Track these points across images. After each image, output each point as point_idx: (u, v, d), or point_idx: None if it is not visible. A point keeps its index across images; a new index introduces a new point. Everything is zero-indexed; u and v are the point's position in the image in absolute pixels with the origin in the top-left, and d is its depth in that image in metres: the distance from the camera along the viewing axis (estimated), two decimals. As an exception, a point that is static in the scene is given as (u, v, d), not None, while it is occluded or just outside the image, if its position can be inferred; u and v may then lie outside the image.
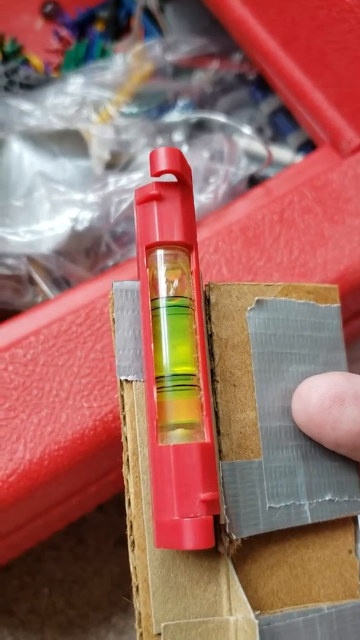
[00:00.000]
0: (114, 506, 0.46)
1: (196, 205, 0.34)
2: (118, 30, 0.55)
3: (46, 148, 0.39)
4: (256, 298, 0.21)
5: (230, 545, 0.19)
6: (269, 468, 0.20)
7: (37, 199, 0.33)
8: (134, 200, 0.19)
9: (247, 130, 0.39)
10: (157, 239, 0.19)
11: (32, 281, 0.38)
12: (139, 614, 0.19)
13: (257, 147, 0.42)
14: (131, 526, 0.19)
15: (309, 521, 0.20)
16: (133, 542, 0.19)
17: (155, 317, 0.19)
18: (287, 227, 0.34)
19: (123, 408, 0.19)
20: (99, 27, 0.55)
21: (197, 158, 0.35)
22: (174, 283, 0.19)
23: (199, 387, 0.19)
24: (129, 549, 0.19)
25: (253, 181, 0.40)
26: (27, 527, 0.32)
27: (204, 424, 0.18)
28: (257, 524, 0.19)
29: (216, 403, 0.20)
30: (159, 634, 0.18)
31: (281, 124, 0.47)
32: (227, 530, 0.19)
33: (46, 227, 0.33)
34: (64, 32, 0.55)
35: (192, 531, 0.16)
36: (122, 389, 0.20)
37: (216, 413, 0.20)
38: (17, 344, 0.31)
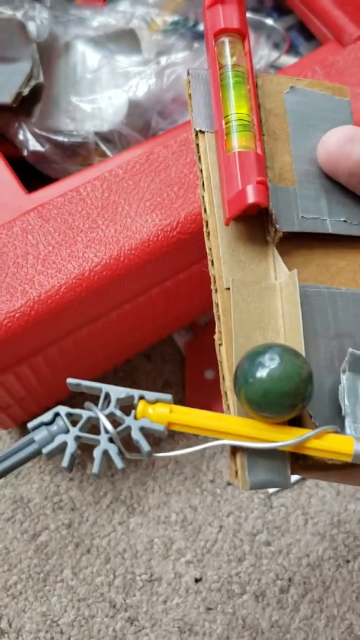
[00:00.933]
0: (159, 356, 0.55)
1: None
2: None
3: (105, 47, 0.48)
4: (290, 85, 0.30)
5: (275, 234, 0.27)
6: (300, 194, 0.28)
7: (102, 73, 0.42)
8: (203, 7, 0.28)
9: (269, 21, 0.48)
10: (222, 26, 0.28)
11: (97, 152, 0.47)
12: (213, 276, 0.27)
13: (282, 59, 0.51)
14: (206, 224, 0.27)
15: (330, 230, 0.28)
16: (208, 233, 0.27)
17: (224, 81, 0.28)
18: (302, 95, 0.43)
19: (198, 151, 0.28)
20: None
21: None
22: (234, 57, 0.28)
23: (253, 126, 0.27)
24: (205, 239, 0.27)
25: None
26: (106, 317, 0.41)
27: (257, 148, 0.27)
28: (293, 225, 0.28)
29: (263, 148, 0.29)
30: (228, 288, 0.27)
31: (294, 38, 0.56)
32: (273, 221, 0.27)
33: (109, 96, 0.42)
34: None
35: (253, 191, 0.25)
36: (197, 139, 0.28)
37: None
38: (95, 179, 0.40)
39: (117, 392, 0.23)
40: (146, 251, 0.38)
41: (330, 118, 0.30)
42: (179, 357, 0.56)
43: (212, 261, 0.27)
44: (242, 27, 0.28)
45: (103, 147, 0.45)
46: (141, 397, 0.23)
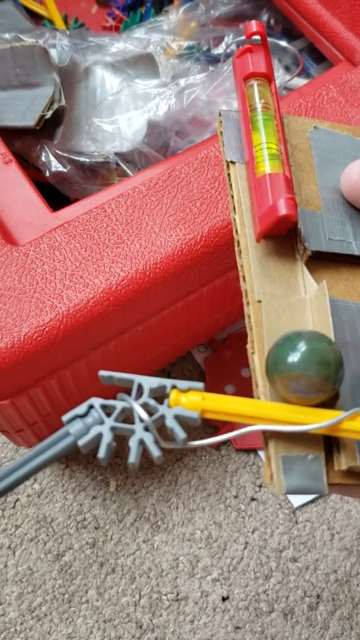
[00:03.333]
0: (179, 372, 0.55)
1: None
2: (162, 8, 0.66)
3: (123, 71, 0.49)
4: (313, 125, 0.32)
5: (304, 252, 0.28)
6: (326, 218, 0.29)
7: (122, 96, 0.44)
8: (234, 56, 0.30)
9: (283, 43, 0.49)
10: (251, 70, 0.30)
11: (118, 172, 0.48)
12: (245, 290, 0.28)
13: (294, 81, 0.52)
14: (238, 243, 0.29)
15: (356, 252, 0.29)
16: (240, 251, 0.28)
17: (253, 119, 0.29)
18: (318, 112, 0.44)
19: (229, 180, 0.30)
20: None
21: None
22: (262, 99, 0.29)
23: (281, 155, 0.29)
24: (237, 256, 0.28)
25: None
26: (132, 330, 0.41)
27: (286, 172, 0.28)
28: (321, 245, 0.28)
29: (291, 174, 0.30)
30: (260, 301, 0.27)
31: (305, 61, 0.57)
32: (302, 239, 0.28)
33: (128, 117, 0.44)
34: (117, 12, 0.67)
35: (284, 204, 0.26)
36: (228, 168, 0.30)
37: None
38: (119, 197, 0.41)
39: (150, 382, 0.23)
40: (171, 265, 0.39)
41: (351, 155, 0.32)
42: (199, 372, 0.56)
43: (244, 277, 0.28)
44: (269, 71, 0.30)
45: (123, 166, 0.46)
46: (173, 386, 0.23)
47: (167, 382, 0.23)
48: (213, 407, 0.23)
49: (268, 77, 0.31)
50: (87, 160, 0.46)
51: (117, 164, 0.46)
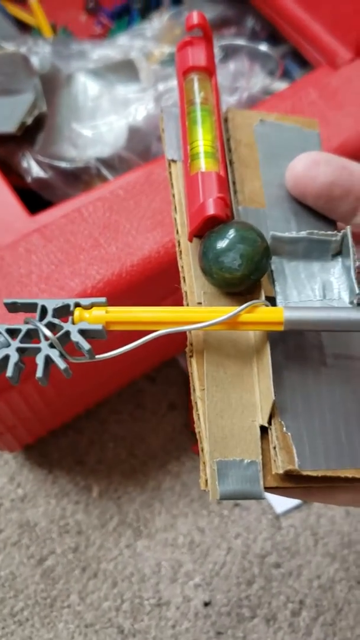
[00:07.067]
0: (164, 378, 0.55)
1: (224, 105, 0.45)
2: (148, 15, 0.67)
3: (105, 77, 0.50)
4: (259, 118, 0.31)
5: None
6: (270, 214, 0.29)
7: (103, 101, 0.44)
8: (175, 49, 0.30)
9: (263, 47, 0.49)
10: (190, 64, 0.29)
11: (99, 177, 0.48)
12: (185, 292, 0.27)
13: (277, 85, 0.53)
14: (178, 244, 0.28)
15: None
16: (180, 252, 0.27)
17: (190, 115, 0.29)
18: (298, 114, 0.44)
19: (171, 178, 0.29)
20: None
21: (225, 73, 0.46)
22: (202, 93, 0.29)
23: (216, 152, 0.28)
24: (178, 257, 0.28)
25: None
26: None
27: (220, 170, 0.28)
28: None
29: (233, 174, 0.30)
30: (200, 303, 0.26)
31: (288, 65, 0.58)
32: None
33: (109, 122, 0.44)
34: (105, 21, 0.67)
35: (212, 204, 0.25)
36: (170, 167, 0.29)
37: (234, 182, 0.30)
38: (97, 200, 0.41)
39: (53, 303, 0.24)
40: (147, 267, 0.39)
41: (300, 148, 0.31)
42: (184, 378, 0.56)
43: (184, 278, 0.28)
44: (210, 65, 0.29)
45: (105, 171, 0.47)
46: (77, 305, 0.24)
47: (71, 301, 0.24)
48: (116, 318, 0.23)
49: (209, 71, 0.30)
50: (68, 165, 0.47)
51: (98, 169, 0.47)
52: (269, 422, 0.24)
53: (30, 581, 0.48)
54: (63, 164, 0.47)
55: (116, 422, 0.54)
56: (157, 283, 0.40)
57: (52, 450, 0.52)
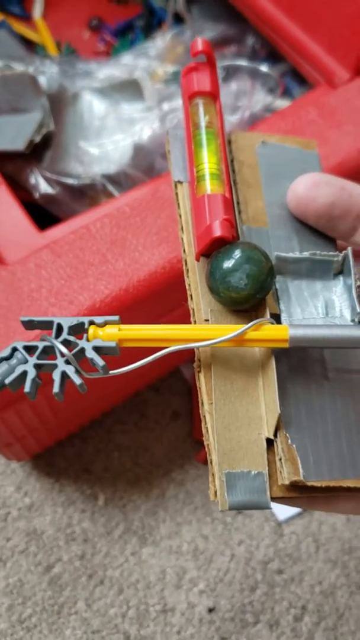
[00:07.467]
0: (167, 388, 0.57)
1: (227, 124, 0.46)
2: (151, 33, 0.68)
3: (110, 96, 0.51)
4: (261, 139, 0.33)
5: None
6: (272, 234, 0.30)
7: (109, 120, 0.45)
8: (181, 74, 0.31)
9: (264, 68, 0.51)
10: (195, 89, 0.31)
11: (104, 193, 0.49)
12: (192, 309, 0.28)
13: (278, 103, 0.54)
14: (185, 262, 0.29)
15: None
16: (187, 270, 0.28)
17: (196, 138, 0.30)
18: (297, 134, 0.46)
19: (177, 199, 0.31)
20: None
21: (227, 92, 0.47)
22: (207, 116, 0.30)
23: (221, 175, 0.30)
24: (185, 275, 0.29)
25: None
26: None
27: (225, 192, 0.29)
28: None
29: (237, 195, 0.31)
30: (207, 320, 0.28)
31: (288, 83, 0.59)
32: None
33: (115, 140, 0.45)
34: (108, 38, 0.69)
35: (219, 226, 0.26)
36: (176, 188, 0.31)
37: (238, 202, 0.31)
38: (104, 217, 0.42)
39: (68, 321, 0.25)
40: (154, 282, 0.40)
41: (300, 169, 0.32)
42: (187, 388, 0.57)
43: (191, 295, 0.29)
44: (214, 90, 0.31)
45: (110, 188, 0.48)
46: (91, 322, 0.25)
47: (85, 319, 0.25)
48: (128, 335, 0.24)
49: (213, 96, 0.31)
50: (75, 182, 0.48)
51: (104, 186, 0.48)
52: (275, 435, 0.25)
53: (38, 588, 0.49)
54: (70, 180, 0.48)
55: (121, 432, 0.55)
56: (163, 297, 0.41)
57: (59, 459, 0.54)
